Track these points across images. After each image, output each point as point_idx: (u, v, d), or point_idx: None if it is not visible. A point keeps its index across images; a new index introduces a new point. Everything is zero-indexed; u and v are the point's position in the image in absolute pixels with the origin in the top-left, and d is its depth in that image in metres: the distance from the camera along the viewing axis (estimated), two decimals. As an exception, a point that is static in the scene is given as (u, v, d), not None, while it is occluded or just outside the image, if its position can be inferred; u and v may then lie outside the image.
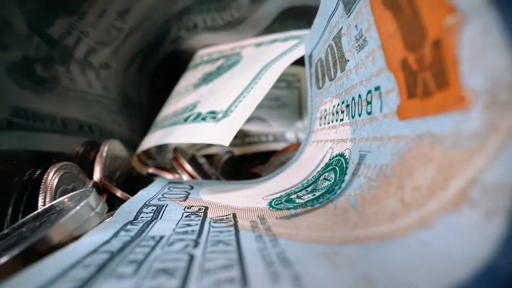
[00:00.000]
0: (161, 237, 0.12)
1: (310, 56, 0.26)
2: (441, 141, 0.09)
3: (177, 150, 0.30)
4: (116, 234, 0.12)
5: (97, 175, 0.26)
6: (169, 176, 0.30)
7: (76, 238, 0.13)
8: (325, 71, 0.22)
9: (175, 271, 0.09)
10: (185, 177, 0.28)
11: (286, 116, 0.42)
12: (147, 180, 0.31)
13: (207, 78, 0.34)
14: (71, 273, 0.09)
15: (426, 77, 0.10)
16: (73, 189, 0.22)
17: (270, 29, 0.40)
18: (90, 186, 0.24)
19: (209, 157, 0.37)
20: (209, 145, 0.37)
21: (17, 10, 0.21)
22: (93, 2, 0.28)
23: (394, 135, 0.12)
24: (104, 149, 0.28)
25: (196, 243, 0.11)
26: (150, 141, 0.31)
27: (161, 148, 0.38)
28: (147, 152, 0.35)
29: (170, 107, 0.34)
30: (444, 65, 0.09)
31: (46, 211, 0.16)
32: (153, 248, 0.11)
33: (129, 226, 0.14)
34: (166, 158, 0.37)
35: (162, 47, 0.43)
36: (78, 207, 0.13)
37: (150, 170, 0.31)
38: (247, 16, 0.40)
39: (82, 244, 0.11)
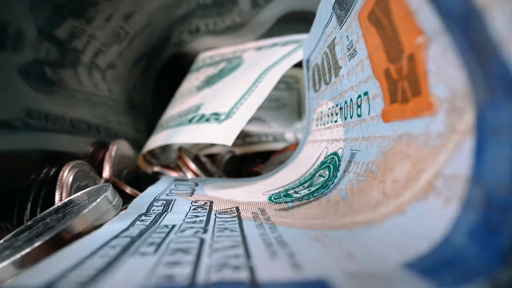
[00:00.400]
0: (173, 226, 0.14)
1: (308, 61, 0.27)
2: (416, 140, 0.11)
3: (182, 150, 0.31)
4: (132, 223, 0.14)
5: (106, 173, 0.28)
6: (173, 174, 0.31)
7: (96, 227, 0.15)
8: (321, 76, 0.23)
9: (190, 250, 0.10)
10: (189, 175, 0.30)
11: (285, 116, 0.43)
12: (152, 178, 0.32)
13: (210, 81, 0.35)
14: (101, 251, 0.10)
15: (404, 86, 0.11)
16: (86, 186, 0.24)
17: (270, 32, 0.42)
18: (102, 183, 0.25)
19: (211, 156, 0.38)
20: (212, 145, 0.39)
21: (29, 16, 0.23)
22: (100, 8, 0.29)
23: (379, 135, 0.14)
24: (113, 149, 0.29)
25: (205, 230, 0.13)
26: (156, 141, 0.32)
27: (165, 147, 0.40)
28: (151, 152, 0.37)
29: (174, 109, 0.36)
30: (417, 76, 0.10)
31: (66, 204, 0.18)
32: (167, 233, 0.12)
33: (143, 217, 0.15)
34: (169, 158, 0.39)
35: (166, 50, 0.44)
36: (98, 200, 0.15)
37: (156, 169, 0.33)
38: (248, 21, 0.41)
39: (105, 231, 0.13)
